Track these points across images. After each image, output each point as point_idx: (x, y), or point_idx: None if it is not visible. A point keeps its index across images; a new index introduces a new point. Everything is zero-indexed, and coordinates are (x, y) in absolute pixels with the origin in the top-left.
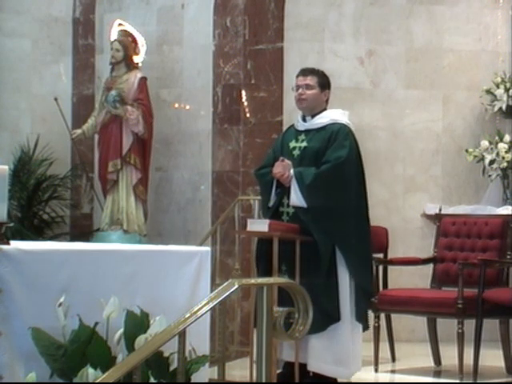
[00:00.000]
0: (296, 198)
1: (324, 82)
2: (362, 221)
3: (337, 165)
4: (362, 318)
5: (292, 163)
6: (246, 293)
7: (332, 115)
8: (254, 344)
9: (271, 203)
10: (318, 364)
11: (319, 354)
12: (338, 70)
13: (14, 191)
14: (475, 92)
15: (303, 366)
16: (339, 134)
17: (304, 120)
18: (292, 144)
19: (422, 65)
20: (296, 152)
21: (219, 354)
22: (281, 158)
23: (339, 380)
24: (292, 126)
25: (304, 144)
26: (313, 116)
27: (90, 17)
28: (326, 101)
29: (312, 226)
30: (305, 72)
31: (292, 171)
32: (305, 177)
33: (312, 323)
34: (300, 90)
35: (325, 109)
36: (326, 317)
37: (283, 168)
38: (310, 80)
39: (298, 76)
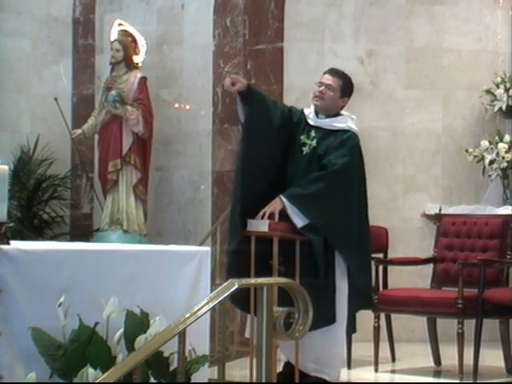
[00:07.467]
0: (299, 220)
1: (347, 89)
2: (356, 235)
3: (332, 173)
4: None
5: (300, 161)
6: None
7: (347, 122)
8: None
9: (243, 119)
10: (302, 362)
11: (306, 353)
12: None
13: (14, 191)
14: (475, 92)
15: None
16: (347, 143)
17: (317, 115)
18: (303, 138)
19: (421, 65)
20: (306, 150)
21: (219, 354)
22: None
23: (337, 380)
24: (302, 112)
25: (314, 143)
26: (326, 116)
27: (89, 17)
28: (341, 107)
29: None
30: (333, 72)
31: (280, 199)
32: (298, 197)
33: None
34: (322, 88)
35: (339, 113)
36: (320, 318)
37: None
38: (335, 82)
39: (325, 73)
